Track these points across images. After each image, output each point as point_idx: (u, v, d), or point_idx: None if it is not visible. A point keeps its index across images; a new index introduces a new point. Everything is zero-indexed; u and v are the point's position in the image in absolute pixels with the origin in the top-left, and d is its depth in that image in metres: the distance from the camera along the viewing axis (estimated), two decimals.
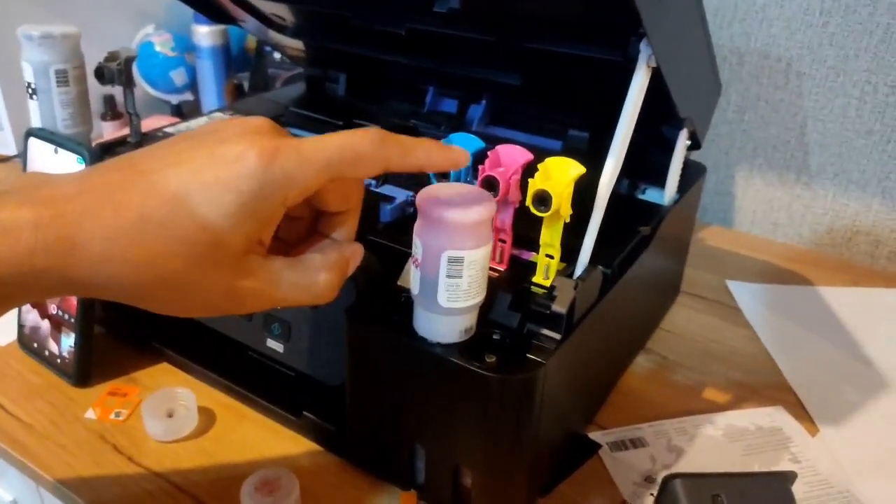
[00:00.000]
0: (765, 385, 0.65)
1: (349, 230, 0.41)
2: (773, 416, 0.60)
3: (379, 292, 0.48)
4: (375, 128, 0.37)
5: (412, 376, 0.45)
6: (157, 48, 1.12)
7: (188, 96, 1.18)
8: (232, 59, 1.16)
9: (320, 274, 0.38)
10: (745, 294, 0.79)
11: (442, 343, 0.44)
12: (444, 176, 0.49)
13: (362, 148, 0.36)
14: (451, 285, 0.41)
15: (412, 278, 0.43)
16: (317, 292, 0.38)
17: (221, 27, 1.11)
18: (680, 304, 0.77)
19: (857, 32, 0.82)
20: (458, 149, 0.41)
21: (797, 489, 0.43)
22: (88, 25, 1.06)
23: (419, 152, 0.38)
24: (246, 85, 1.20)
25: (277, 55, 1.14)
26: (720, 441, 0.57)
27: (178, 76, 1.14)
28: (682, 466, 0.54)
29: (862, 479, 0.54)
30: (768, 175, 0.93)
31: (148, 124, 0.97)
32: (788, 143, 0.91)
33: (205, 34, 1.10)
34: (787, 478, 0.44)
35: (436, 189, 0.42)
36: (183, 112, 1.20)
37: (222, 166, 0.33)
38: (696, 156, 0.70)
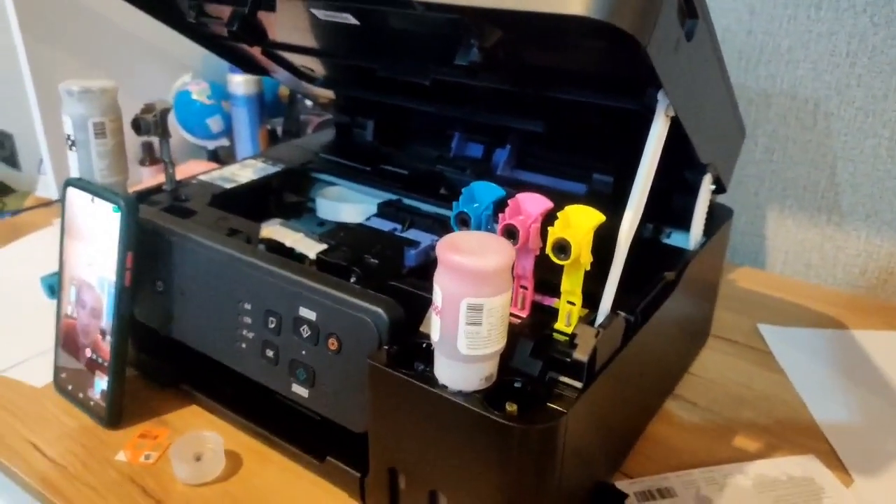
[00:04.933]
0: (797, 432, 0.63)
1: None
2: (806, 466, 0.58)
3: (402, 339, 0.49)
4: None
5: (433, 424, 0.46)
6: (195, 97, 1.16)
7: (224, 142, 1.21)
8: (266, 106, 1.20)
9: None
10: (777, 338, 0.77)
11: (463, 391, 0.44)
12: (465, 224, 0.50)
13: None
14: (471, 333, 0.42)
15: (433, 326, 0.44)
16: None
17: (256, 76, 1.14)
18: (710, 349, 0.76)
19: (885, 73, 0.81)
20: None
21: None
22: (129, 75, 1.10)
23: None
24: (280, 130, 1.23)
25: (309, 102, 1.17)
26: (750, 492, 0.56)
27: (215, 123, 1.18)
28: None
29: None
30: (799, 216, 0.92)
31: (185, 170, 1.00)
32: (819, 184, 0.90)
33: (240, 83, 1.14)
34: None
35: (455, 237, 0.43)
36: (219, 157, 1.23)
37: None
38: (725, 197, 0.69)
